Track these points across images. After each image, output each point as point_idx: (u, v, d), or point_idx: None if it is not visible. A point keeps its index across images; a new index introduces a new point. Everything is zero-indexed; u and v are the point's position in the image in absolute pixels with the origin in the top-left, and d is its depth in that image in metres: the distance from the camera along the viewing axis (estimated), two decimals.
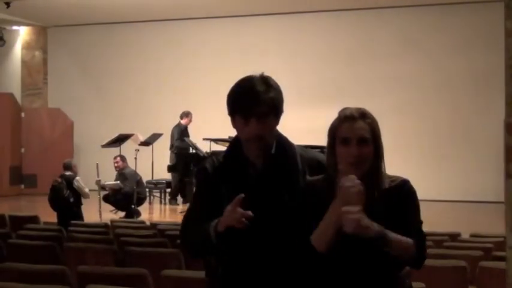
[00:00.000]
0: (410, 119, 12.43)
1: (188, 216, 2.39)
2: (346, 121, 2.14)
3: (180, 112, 11.74)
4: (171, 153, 11.60)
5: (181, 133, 11.48)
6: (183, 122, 11.67)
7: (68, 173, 8.62)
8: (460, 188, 12.06)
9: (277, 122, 2.27)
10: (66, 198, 8.39)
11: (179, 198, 11.69)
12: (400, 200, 2.17)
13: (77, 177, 8.57)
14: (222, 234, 2.17)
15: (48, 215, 8.59)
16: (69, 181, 8.49)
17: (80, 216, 8.36)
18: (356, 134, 2.11)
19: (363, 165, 2.11)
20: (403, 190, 2.19)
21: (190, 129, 11.67)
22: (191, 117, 11.72)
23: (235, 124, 2.27)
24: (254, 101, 2.19)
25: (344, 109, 2.18)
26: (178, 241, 2.96)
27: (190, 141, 10.67)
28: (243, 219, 2.10)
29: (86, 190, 8.58)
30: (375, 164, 2.15)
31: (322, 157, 2.31)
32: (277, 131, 2.31)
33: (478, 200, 11.62)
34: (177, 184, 11.56)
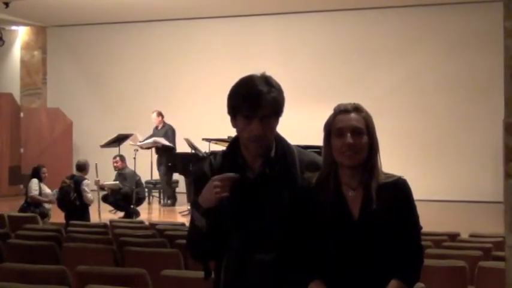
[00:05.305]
0: (409, 118, 12.43)
1: (190, 226, 2.34)
2: (341, 114, 2.19)
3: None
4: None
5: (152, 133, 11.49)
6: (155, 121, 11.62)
7: (78, 174, 8.62)
8: (459, 187, 12.05)
9: (277, 122, 2.24)
10: (73, 202, 8.38)
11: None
12: (397, 196, 2.18)
13: (85, 181, 8.52)
14: (206, 213, 2.17)
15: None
16: (78, 183, 8.47)
17: (86, 218, 8.33)
18: (350, 124, 2.15)
19: (357, 155, 2.14)
20: (400, 187, 2.21)
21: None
22: (161, 117, 11.58)
23: (235, 123, 2.23)
24: (258, 102, 2.14)
25: (339, 104, 2.23)
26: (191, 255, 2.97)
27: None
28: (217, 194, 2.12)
29: (90, 196, 8.51)
30: (370, 157, 2.17)
31: (320, 159, 2.30)
32: (275, 131, 2.28)
33: (477, 200, 11.61)
34: (165, 186, 11.50)
